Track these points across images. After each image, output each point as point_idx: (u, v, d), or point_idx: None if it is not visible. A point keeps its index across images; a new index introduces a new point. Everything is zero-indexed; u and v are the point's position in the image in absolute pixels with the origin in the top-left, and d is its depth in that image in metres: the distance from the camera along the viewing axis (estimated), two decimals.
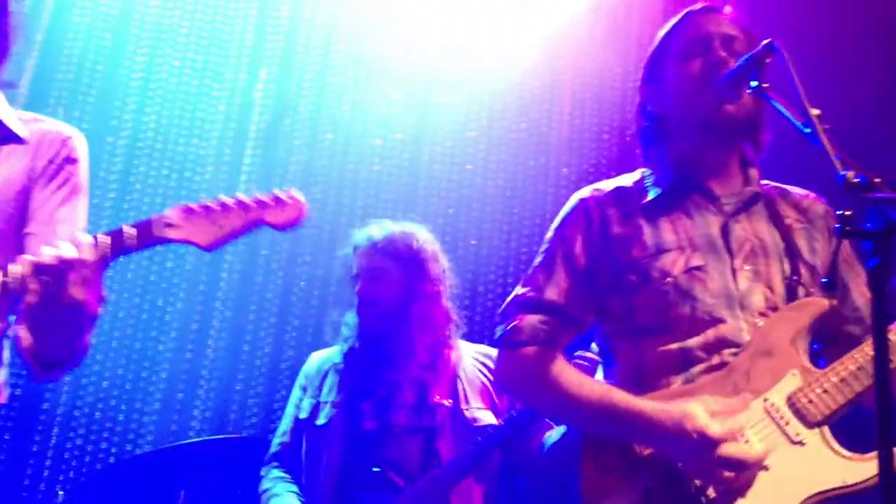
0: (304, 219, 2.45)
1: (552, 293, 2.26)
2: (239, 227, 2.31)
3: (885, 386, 1.44)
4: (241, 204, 2.31)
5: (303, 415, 3.50)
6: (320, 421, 3.43)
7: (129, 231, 2.12)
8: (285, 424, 3.60)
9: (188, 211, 2.24)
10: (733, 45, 2.28)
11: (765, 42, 2.01)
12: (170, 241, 2.24)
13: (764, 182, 2.38)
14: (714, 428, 1.98)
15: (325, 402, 3.47)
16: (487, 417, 3.39)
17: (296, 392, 3.63)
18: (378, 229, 3.68)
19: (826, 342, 2.26)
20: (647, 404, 2.07)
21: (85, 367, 4.51)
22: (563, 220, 2.36)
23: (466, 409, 3.38)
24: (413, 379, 3.42)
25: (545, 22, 5.74)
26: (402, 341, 3.47)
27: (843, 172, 1.58)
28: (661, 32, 2.45)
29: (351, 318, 3.58)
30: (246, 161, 5.05)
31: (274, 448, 3.59)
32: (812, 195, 2.41)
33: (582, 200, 2.36)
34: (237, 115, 5.10)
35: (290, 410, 3.62)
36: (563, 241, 2.31)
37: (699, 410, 2.00)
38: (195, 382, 4.73)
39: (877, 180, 1.56)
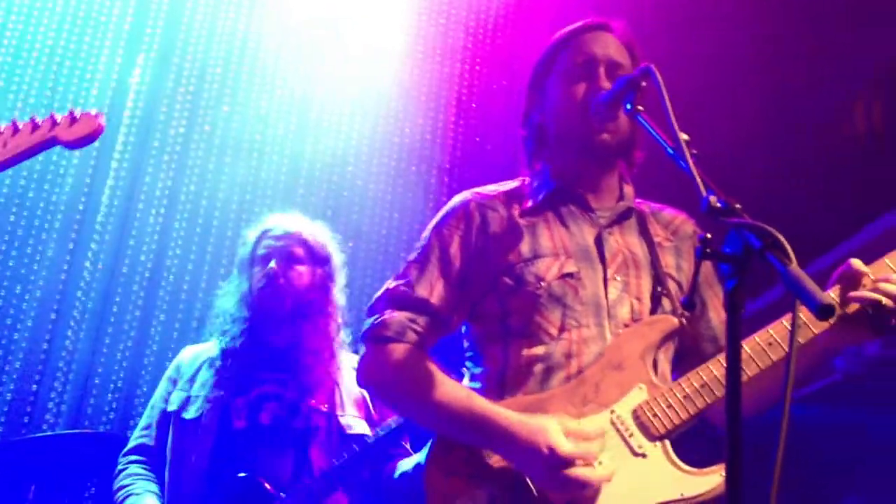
0: (98, 135, 2.33)
1: (423, 290, 2.26)
2: (26, 146, 2.26)
3: (736, 405, 1.48)
4: (33, 124, 2.26)
5: (171, 407, 3.37)
6: (189, 414, 3.31)
7: None
8: (149, 417, 3.45)
9: None
10: (618, 72, 2.31)
11: (641, 66, 2.06)
12: None
13: (638, 200, 2.45)
14: (565, 447, 2.01)
15: (198, 396, 3.35)
16: (361, 427, 3.34)
17: (164, 384, 3.49)
18: (295, 218, 3.63)
19: (679, 358, 2.33)
20: (505, 413, 2.09)
21: None
22: (443, 218, 2.36)
23: (342, 416, 3.32)
24: (291, 379, 3.35)
25: (431, 26, 5.78)
26: (291, 336, 3.40)
27: (705, 196, 1.62)
28: (551, 43, 2.46)
29: (233, 310, 3.48)
30: (118, 148, 4.89)
31: (135, 440, 3.44)
32: (683, 215, 2.48)
33: (463, 202, 2.37)
34: (111, 99, 4.93)
35: (155, 403, 3.47)
36: (441, 239, 2.31)
37: (554, 427, 2.03)
38: (51, 374, 4.55)
39: (737, 206, 1.61)
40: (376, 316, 2.27)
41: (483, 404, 2.12)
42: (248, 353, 3.40)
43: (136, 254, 4.83)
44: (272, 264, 3.42)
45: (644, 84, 2.07)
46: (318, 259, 3.51)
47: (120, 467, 3.40)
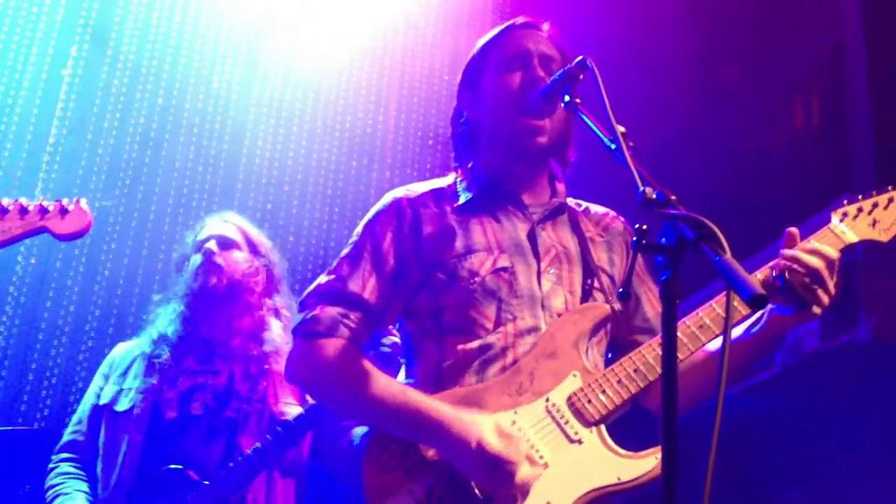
0: (88, 230, 2.35)
1: (355, 286, 2.25)
2: (18, 233, 2.32)
3: (672, 394, 1.48)
4: (21, 209, 2.31)
5: (103, 401, 3.34)
6: (121, 406, 3.28)
7: None
8: (81, 412, 3.42)
9: None
10: (550, 65, 2.34)
11: (578, 59, 2.06)
12: None
13: (569, 199, 2.47)
14: (494, 445, 2.02)
15: (129, 389, 3.32)
16: (296, 412, 3.30)
17: (97, 381, 3.47)
18: (234, 215, 3.68)
19: (618, 351, 2.35)
20: (441, 408, 2.09)
21: None
22: (375, 215, 2.36)
23: (274, 404, 3.30)
24: (223, 369, 3.34)
25: (375, 21, 5.76)
26: (223, 327, 3.39)
27: (641, 188, 1.63)
28: (482, 41, 2.50)
29: (169, 312, 3.46)
30: (50, 141, 4.79)
31: (67, 437, 3.40)
32: (612, 213, 2.53)
33: (395, 199, 2.37)
34: (43, 92, 4.83)
35: (88, 398, 3.44)
36: (373, 236, 2.31)
37: (487, 424, 2.05)
38: None
39: (672, 197, 1.61)
40: (307, 311, 2.25)
41: (417, 398, 2.12)
42: (181, 344, 3.39)
43: (70, 248, 4.74)
44: (210, 244, 3.44)
45: (581, 77, 2.09)
46: (256, 251, 3.53)
47: (51, 465, 3.37)
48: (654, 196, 1.62)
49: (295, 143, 5.43)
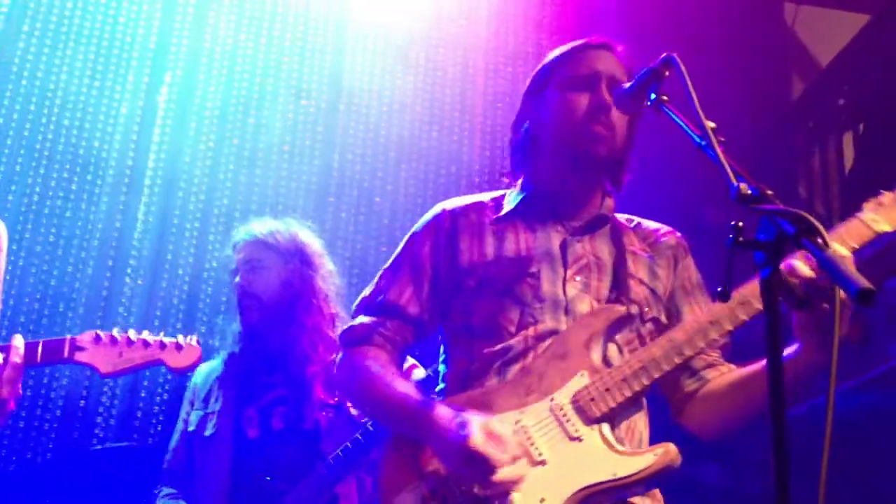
0: (198, 364, 2.77)
1: (393, 295, 2.36)
2: (138, 363, 2.64)
3: (780, 395, 1.45)
4: (144, 342, 2.65)
5: (191, 427, 3.47)
6: (207, 432, 3.40)
7: (39, 348, 2.45)
8: (174, 441, 3.55)
9: (97, 338, 2.57)
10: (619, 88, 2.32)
11: (663, 55, 2.03)
12: (75, 362, 2.56)
13: (620, 215, 2.47)
14: (478, 442, 2.03)
15: (213, 413, 3.43)
16: None
17: (184, 406, 3.59)
18: (258, 223, 3.67)
19: None
20: (436, 408, 2.16)
21: None
22: (417, 229, 2.45)
23: (350, 407, 3.32)
24: (293, 380, 3.39)
25: (460, 31, 5.77)
26: (283, 338, 3.42)
27: (735, 184, 1.59)
28: (552, 55, 2.50)
29: (235, 325, 3.53)
30: (150, 165, 4.97)
31: (165, 465, 3.54)
32: (666, 228, 2.50)
33: (436, 212, 2.45)
34: (140, 118, 5.01)
35: (178, 426, 3.57)
36: (412, 247, 2.41)
37: (476, 423, 2.06)
38: (98, 390, 4.62)
39: (768, 192, 1.58)
40: (350, 322, 2.40)
41: (417, 396, 2.22)
42: (249, 360, 3.47)
43: (173, 267, 4.91)
44: (237, 279, 3.51)
45: (666, 74, 2.05)
46: (287, 255, 3.52)
47: (155, 492, 3.51)
48: (749, 192, 1.58)
49: (384, 155, 5.45)
